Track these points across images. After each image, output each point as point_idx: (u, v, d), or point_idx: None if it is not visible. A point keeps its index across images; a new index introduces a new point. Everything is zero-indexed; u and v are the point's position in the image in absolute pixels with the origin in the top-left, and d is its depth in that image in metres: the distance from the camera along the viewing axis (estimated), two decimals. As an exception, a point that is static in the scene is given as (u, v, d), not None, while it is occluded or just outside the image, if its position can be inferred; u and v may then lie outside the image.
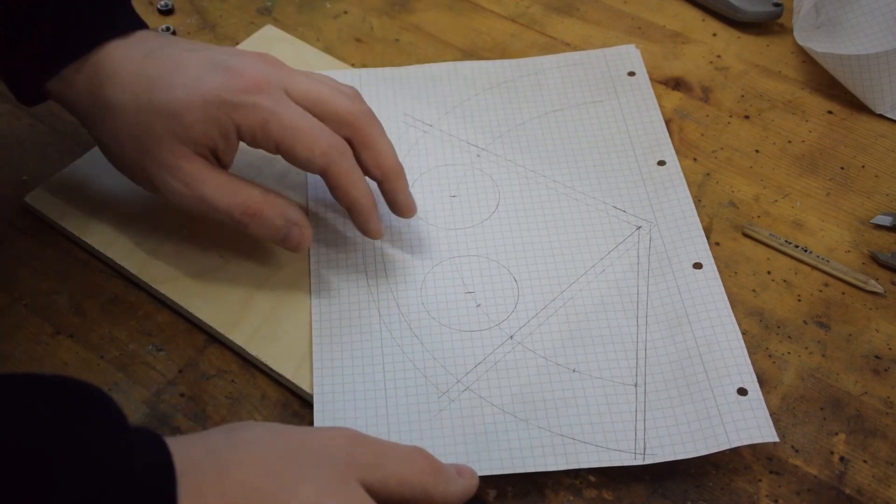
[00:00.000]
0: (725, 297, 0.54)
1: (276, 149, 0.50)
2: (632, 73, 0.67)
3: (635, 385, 0.51)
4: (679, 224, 0.57)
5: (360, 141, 0.52)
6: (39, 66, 0.52)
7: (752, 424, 0.48)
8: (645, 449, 0.48)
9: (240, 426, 0.42)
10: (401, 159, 0.62)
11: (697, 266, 0.55)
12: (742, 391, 0.49)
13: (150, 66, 0.51)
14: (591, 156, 0.62)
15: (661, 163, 0.61)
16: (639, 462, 0.48)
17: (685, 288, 0.54)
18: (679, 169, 0.61)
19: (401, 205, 0.54)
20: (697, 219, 0.58)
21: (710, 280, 0.55)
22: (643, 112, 0.64)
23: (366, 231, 0.54)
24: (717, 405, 0.49)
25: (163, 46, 0.52)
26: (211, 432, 0.42)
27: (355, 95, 0.54)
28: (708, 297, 0.54)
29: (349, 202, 0.52)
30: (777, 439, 0.48)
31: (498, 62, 0.68)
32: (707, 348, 0.51)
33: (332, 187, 0.52)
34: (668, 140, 0.62)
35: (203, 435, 0.41)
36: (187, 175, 0.50)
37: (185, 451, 0.38)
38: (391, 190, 0.54)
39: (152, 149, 0.50)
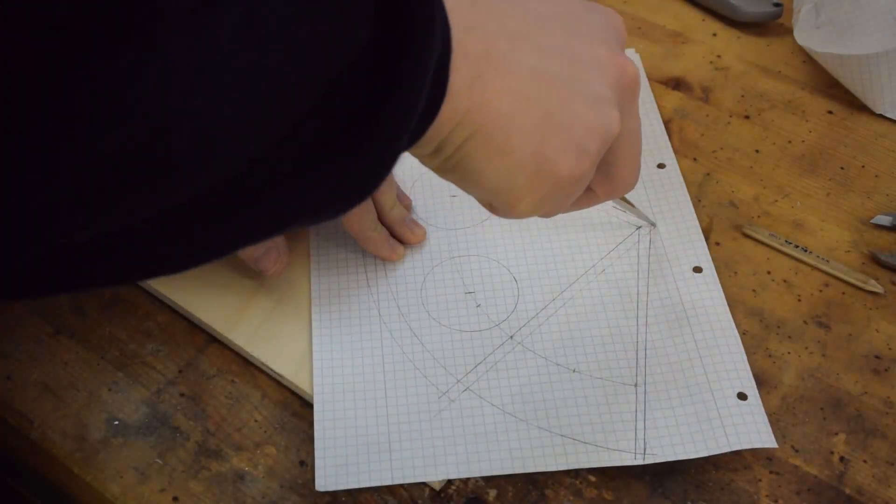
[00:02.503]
0: (725, 302, 0.54)
1: None
2: (632, 74, 0.67)
3: (635, 385, 0.51)
4: (679, 227, 0.57)
5: None
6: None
7: (752, 429, 0.48)
8: (645, 449, 0.48)
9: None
10: (401, 160, 0.62)
11: (697, 270, 0.55)
12: (742, 396, 0.49)
13: None
14: (591, 156, 0.62)
15: (661, 166, 0.61)
16: (639, 462, 0.48)
17: (685, 290, 0.54)
18: (679, 172, 0.61)
19: (397, 237, 0.56)
20: (697, 222, 0.58)
21: (710, 284, 0.55)
22: (643, 115, 0.64)
23: (379, 257, 0.55)
24: (718, 408, 0.49)
25: None
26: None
27: None
28: (707, 301, 0.54)
29: (354, 234, 0.54)
30: (776, 445, 0.48)
31: (498, 62, 0.68)
32: (707, 351, 0.51)
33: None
34: (668, 143, 0.62)
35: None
36: None
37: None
38: (386, 225, 0.55)
39: None
